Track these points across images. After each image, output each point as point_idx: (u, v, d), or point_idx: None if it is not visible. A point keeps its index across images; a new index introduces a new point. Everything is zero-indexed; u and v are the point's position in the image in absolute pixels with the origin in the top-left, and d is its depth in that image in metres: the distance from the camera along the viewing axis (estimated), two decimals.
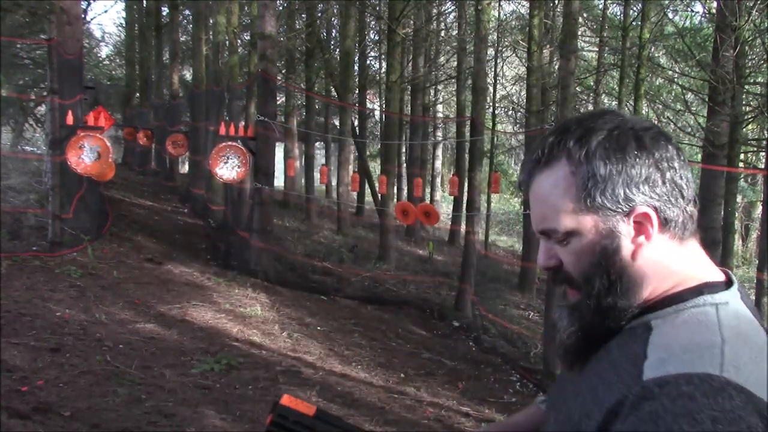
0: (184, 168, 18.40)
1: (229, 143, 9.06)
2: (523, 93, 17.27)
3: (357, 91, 16.11)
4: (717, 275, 0.93)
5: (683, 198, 0.90)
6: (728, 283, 0.91)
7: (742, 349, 0.80)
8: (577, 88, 15.50)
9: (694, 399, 0.72)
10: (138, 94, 20.52)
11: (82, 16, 15.24)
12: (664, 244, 0.91)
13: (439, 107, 24.92)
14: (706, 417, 0.70)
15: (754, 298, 10.67)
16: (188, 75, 22.48)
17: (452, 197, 16.92)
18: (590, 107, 16.55)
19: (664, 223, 0.90)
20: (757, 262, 11.50)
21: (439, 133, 24.22)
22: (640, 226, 0.89)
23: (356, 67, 16.99)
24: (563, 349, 0.95)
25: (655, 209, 0.89)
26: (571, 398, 0.93)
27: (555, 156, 0.91)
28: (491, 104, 17.57)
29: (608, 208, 0.88)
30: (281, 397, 1.11)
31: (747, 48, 10.11)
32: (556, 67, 14.73)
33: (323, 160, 23.79)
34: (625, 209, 0.88)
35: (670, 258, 0.91)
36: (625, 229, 0.89)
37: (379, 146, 19.41)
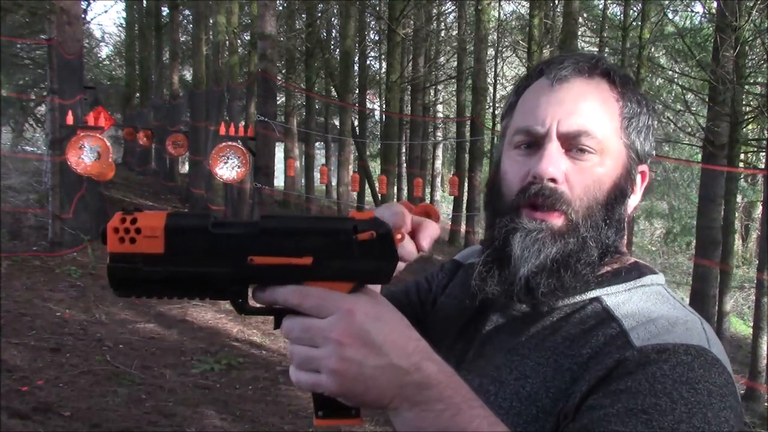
0: (184, 168, 18.38)
1: (229, 143, 9.05)
2: None
3: (357, 91, 16.11)
4: None
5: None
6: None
7: (710, 329, 0.80)
8: None
9: (693, 369, 0.72)
10: (138, 94, 20.52)
11: (82, 16, 15.24)
12: (629, 213, 0.91)
13: (439, 107, 24.91)
14: (703, 388, 0.71)
15: (754, 298, 10.68)
16: (188, 75, 22.47)
17: (452, 197, 16.93)
18: None
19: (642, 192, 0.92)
20: (757, 262, 11.49)
21: (439, 133, 24.21)
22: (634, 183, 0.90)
23: (356, 67, 16.99)
24: (546, 280, 0.82)
25: (648, 172, 0.92)
26: (502, 369, 0.84)
27: (597, 74, 0.87)
28: (491, 104, 17.56)
29: (636, 149, 0.88)
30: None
31: (747, 48, 10.09)
32: None
33: (323, 160, 23.77)
34: (642, 159, 0.89)
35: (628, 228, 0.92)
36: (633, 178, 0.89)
37: (379, 146, 19.41)
